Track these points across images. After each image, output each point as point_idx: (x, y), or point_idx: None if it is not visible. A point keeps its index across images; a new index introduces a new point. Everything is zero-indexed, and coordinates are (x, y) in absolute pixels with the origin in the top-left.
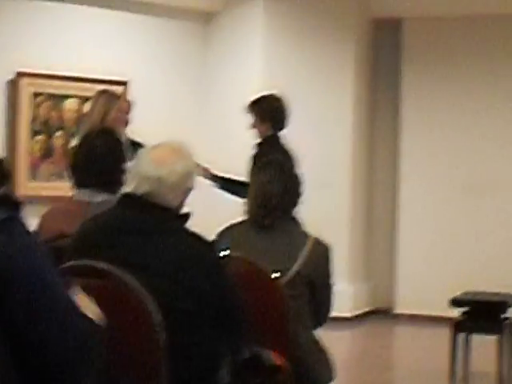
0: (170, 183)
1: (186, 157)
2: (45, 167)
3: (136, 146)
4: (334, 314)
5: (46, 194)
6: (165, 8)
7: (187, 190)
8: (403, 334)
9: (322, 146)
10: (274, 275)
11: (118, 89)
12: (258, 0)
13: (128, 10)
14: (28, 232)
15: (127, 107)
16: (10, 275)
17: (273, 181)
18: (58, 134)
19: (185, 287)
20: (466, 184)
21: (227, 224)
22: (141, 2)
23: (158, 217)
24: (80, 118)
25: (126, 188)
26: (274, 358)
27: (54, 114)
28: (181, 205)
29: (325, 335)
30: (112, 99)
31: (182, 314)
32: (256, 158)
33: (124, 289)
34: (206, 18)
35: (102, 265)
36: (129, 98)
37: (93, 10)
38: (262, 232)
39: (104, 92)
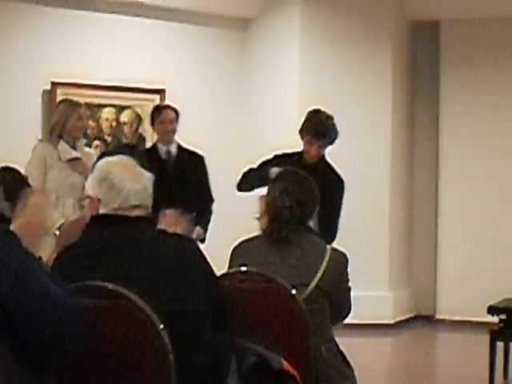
0: (150, 191)
1: (136, 165)
2: None
3: (190, 154)
4: (375, 320)
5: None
6: (201, 15)
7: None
8: (445, 340)
9: (360, 151)
10: (293, 291)
11: (156, 97)
12: (294, 5)
13: (164, 18)
14: (20, 243)
15: (171, 115)
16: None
17: (284, 193)
18: (96, 143)
19: (180, 289)
20: (507, 190)
21: (240, 240)
22: (177, 10)
23: (140, 228)
24: (117, 127)
25: (104, 209)
26: (284, 363)
27: (91, 123)
28: None
29: (366, 342)
30: (71, 107)
31: (180, 319)
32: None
33: (132, 309)
34: (243, 25)
35: (112, 286)
36: (174, 106)
37: (129, 19)
38: (276, 246)
39: (64, 100)
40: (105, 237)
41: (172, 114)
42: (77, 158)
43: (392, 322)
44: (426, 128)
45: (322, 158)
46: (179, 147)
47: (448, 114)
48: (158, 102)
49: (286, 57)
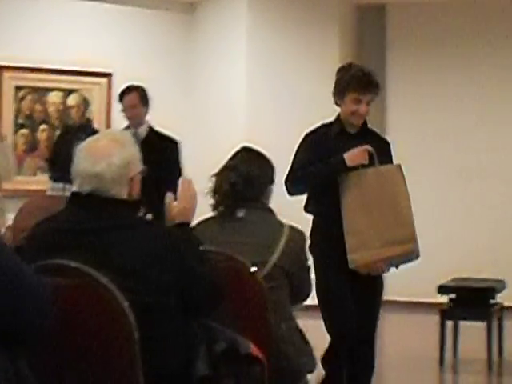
0: (110, 178)
1: (123, 145)
2: (30, 161)
3: (162, 138)
4: None
5: (32, 187)
6: None
7: (132, 179)
8: (393, 320)
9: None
10: (252, 269)
11: (103, 81)
12: None
13: (111, 1)
14: None
15: (128, 101)
16: None
17: (229, 169)
18: (43, 127)
19: (150, 281)
20: (455, 169)
21: (197, 220)
22: None
23: (110, 212)
24: (64, 110)
25: (73, 187)
26: (252, 348)
27: (37, 107)
28: (132, 193)
29: (312, 322)
30: None
31: (150, 308)
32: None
33: (97, 287)
34: (190, 8)
35: (75, 264)
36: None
37: (75, 3)
38: (231, 224)
39: None
40: (85, 217)
41: (129, 101)
42: None
43: None
44: (372, 109)
45: (365, 123)
46: (150, 130)
47: (394, 95)
48: (105, 85)
49: (233, 40)
